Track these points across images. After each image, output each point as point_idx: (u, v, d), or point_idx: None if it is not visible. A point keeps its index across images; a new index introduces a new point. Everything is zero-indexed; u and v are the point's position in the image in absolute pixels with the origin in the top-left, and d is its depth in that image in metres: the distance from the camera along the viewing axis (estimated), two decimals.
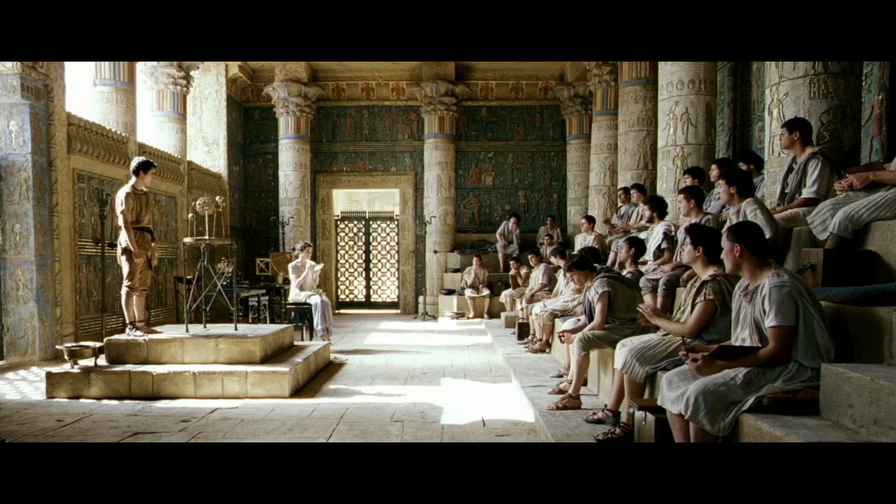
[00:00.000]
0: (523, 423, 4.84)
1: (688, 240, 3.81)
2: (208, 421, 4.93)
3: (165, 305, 10.90)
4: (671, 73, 7.28)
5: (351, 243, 15.78)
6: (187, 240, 6.75)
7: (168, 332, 6.53)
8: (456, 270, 13.96)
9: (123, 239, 6.17)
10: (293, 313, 8.92)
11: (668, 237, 5.95)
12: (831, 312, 3.16)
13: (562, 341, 5.45)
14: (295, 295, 8.92)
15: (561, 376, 5.81)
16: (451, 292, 13.40)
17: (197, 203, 6.81)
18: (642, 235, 6.70)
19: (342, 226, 15.78)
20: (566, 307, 7.18)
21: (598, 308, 5.08)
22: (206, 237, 6.77)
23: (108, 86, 9.97)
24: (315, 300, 8.69)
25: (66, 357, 5.91)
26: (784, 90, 4.78)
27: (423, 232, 14.63)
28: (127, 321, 6.40)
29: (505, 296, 11.55)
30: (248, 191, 15.23)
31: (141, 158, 6.43)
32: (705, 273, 3.75)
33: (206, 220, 6.83)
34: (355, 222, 15.87)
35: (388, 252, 15.74)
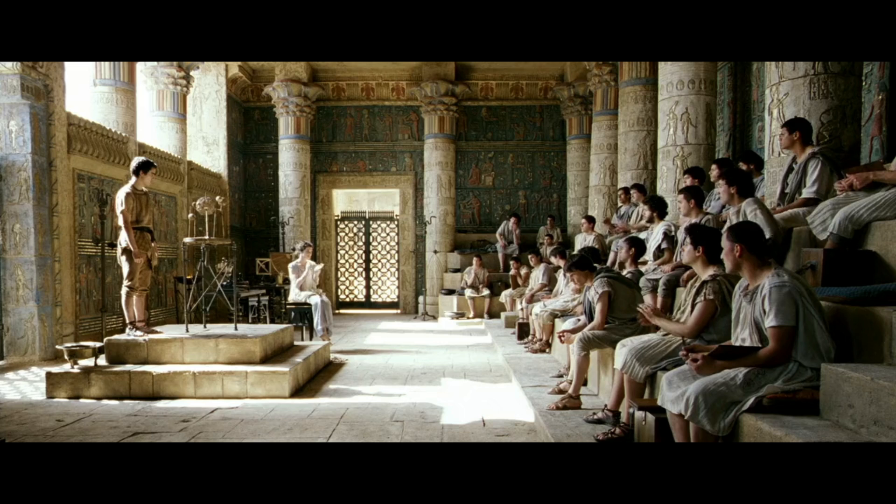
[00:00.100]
0: (523, 423, 4.84)
1: (688, 240, 3.81)
2: (208, 421, 4.93)
3: (165, 305, 10.90)
4: (671, 73, 7.28)
5: (351, 243, 15.78)
6: (187, 240, 6.75)
7: (168, 332, 6.53)
8: (456, 270, 13.96)
9: (123, 239, 6.17)
10: (293, 313, 8.92)
11: (668, 237, 5.95)
12: (831, 312, 3.16)
13: (562, 341, 5.45)
14: (295, 295, 8.92)
15: (561, 376, 5.81)
16: (451, 292, 13.40)
17: (197, 203, 6.81)
18: (642, 235, 6.70)
19: (342, 226, 15.78)
20: (566, 307, 7.18)
21: (598, 308, 5.08)
22: (206, 237, 6.77)
23: (108, 86, 9.97)
24: (315, 300, 8.69)
25: (66, 357, 5.91)
26: (784, 90, 4.78)
27: (423, 232, 14.63)
28: (127, 321, 6.40)
29: (505, 296, 11.55)
30: (248, 191, 15.23)
31: (141, 158, 6.43)
32: (705, 273, 3.75)
33: (206, 220, 6.83)
34: (355, 222, 15.88)
35: (388, 252, 15.74)
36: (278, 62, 14.06)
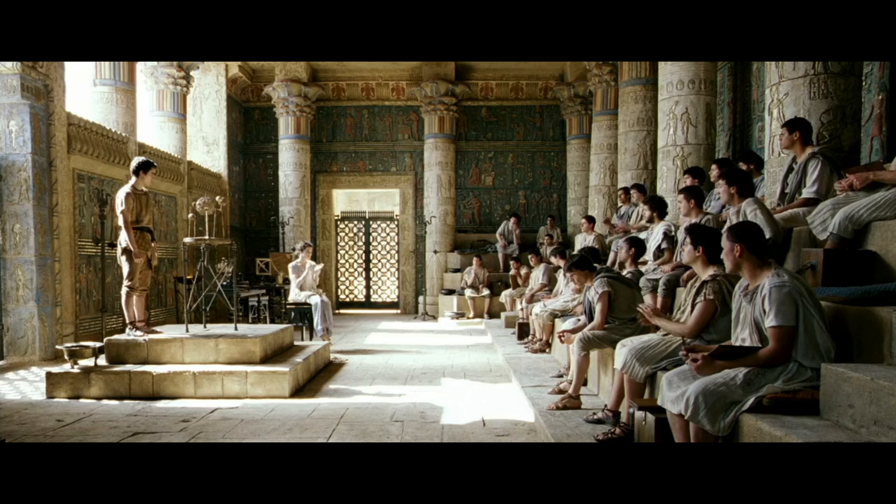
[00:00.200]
0: (523, 423, 4.84)
1: (688, 240, 3.81)
2: (208, 421, 4.93)
3: (165, 305, 10.90)
4: (671, 73, 7.28)
5: (351, 243, 15.78)
6: (187, 240, 6.75)
7: (168, 332, 6.53)
8: (456, 270, 13.96)
9: (123, 239, 6.17)
10: (293, 313, 8.92)
11: (668, 237, 5.95)
12: (831, 312, 3.16)
13: (562, 341, 5.45)
14: (295, 295, 8.92)
15: (561, 376, 5.81)
16: (451, 292, 13.40)
17: (197, 203, 6.81)
18: (642, 235, 6.70)
19: (342, 226, 15.78)
20: (566, 307, 7.18)
21: (598, 308, 5.08)
22: (206, 237, 6.77)
23: (108, 86, 9.97)
24: (315, 300, 8.69)
25: (66, 357, 5.91)
26: (784, 90, 4.78)
27: (423, 232, 14.63)
28: (127, 321, 6.40)
29: (505, 296, 11.55)
30: (248, 191, 15.23)
31: (141, 158, 6.43)
32: (705, 273, 3.75)
33: (206, 220, 6.83)
34: (355, 222, 15.88)
35: (388, 252, 15.74)
36: (278, 62, 14.06)
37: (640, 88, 9.43)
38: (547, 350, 7.56)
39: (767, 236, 3.84)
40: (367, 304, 15.72)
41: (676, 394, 3.00)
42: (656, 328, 4.18)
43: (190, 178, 11.86)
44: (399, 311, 15.23)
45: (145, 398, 5.68)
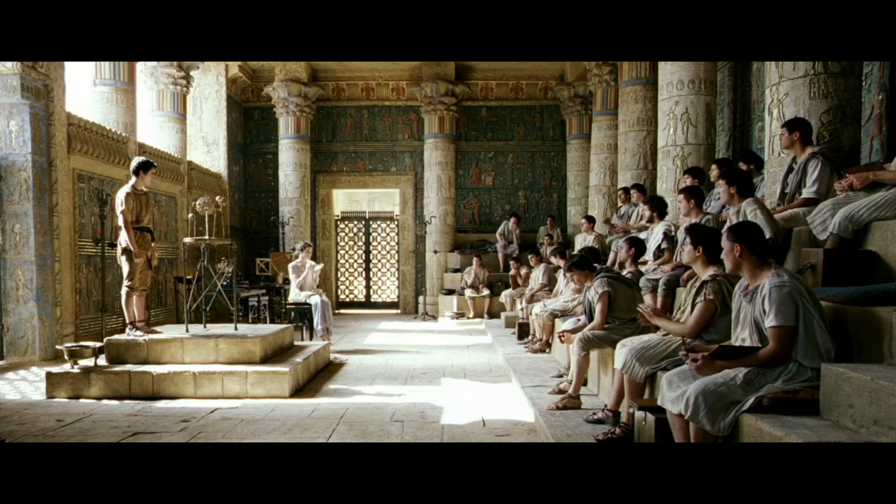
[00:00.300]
0: (523, 423, 4.84)
1: (688, 240, 3.81)
2: (208, 421, 4.93)
3: (165, 305, 10.90)
4: (671, 73, 7.28)
5: (351, 243, 15.78)
6: (187, 240, 6.75)
7: (168, 332, 6.53)
8: (456, 270, 13.96)
9: (123, 239, 6.17)
10: (293, 313, 8.92)
11: (668, 237, 5.95)
12: (831, 312, 3.16)
13: (562, 341, 5.45)
14: (295, 295, 8.92)
15: (561, 376, 5.81)
16: (451, 292, 13.40)
17: (197, 203, 6.81)
18: (642, 235, 6.70)
19: (342, 226, 15.78)
20: (566, 307, 7.18)
21: (598, 308, 5.08)
22: (206, 237, 6.77)
23: (108, 86, 9.97)
24: (315, 300, 8.69)
25: (66, 357, 5.91)
26: (784, 90, 4.78)
27: (423, 232, 14.63)
28: (127, 321, 6.40)
29: (505, 296, 11.55)
30: (248, 191, 15.23)
31: (141, 158, 6.43)
32: (705, 273, 3.75)
33: (206, 220, 6.83)
34: (355, 222, 15.88)
35: (388, 252, 15.74)
36: (278, 62, 14.06)
37: (640, 88, 9.43)
38: (547, 350, 7.56)
39: (767, 236, 3.84)
40: (367, 304, 15.72)
41: (676, 394, 3.00)
42: (656, 328, 4.18)
43: (190, 178, 11.86)
44: (399, 311, 15.23)
45: (145, 398, 5.68)
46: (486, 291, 12.70)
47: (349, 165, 15.18)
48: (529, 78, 14.98)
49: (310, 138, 14.70)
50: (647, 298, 5.35)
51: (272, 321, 10.11)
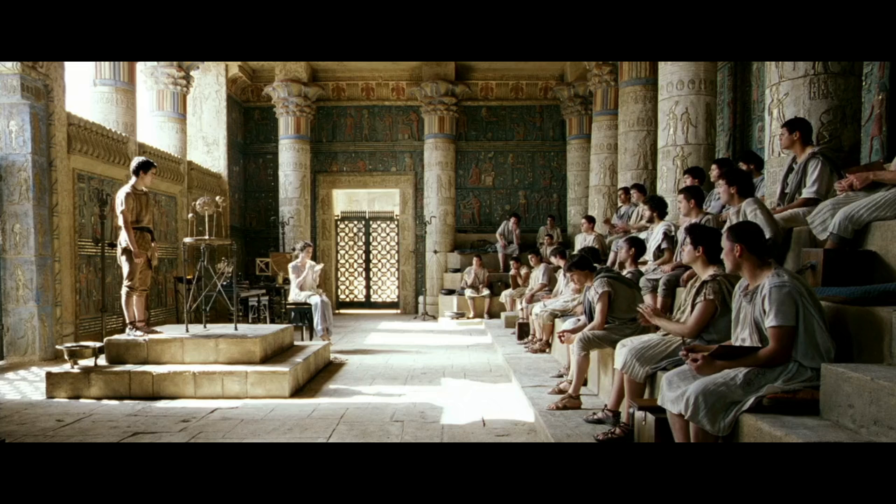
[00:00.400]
0: (523, 423, 4.84)
1: (688, 240, 3.81)
2: (208, 421, 4.93)
3: (165, 305, 10.90)
4: (671, 73, 7.28)
5: (351, 243, 15.78)
6: (187, 240, 6.75)
7: (168, 332, 6.53)
8: (456, 270, 13.96)
9: (123, 239, 6.17)
10: (293, 313, 8.92)
11: (668, 237, 5.95)
12: (831, 312, 3.16)
13: (562, 341, 5.45)
14: (295, 295, 8.92)
15: (561, 376, 5.81)
16: (451, 292, 13.40)
17: (197, 203, 6.81)
18: (642, 235, 6.70)
19: (342, 226, 15.78)
20: (566, 307, 7.18)
21: (598, 308, 5.08)
22: (206, 237, 6.77)
23: (108, 86, 9.97)
24: (315, 300, 8.69)
25: (66, 357, 5.91)
26: (784, 90, 4.78)
27: (423, 232, 14.63)
28: (127, 321, 6.40)
29: (505, 296, 11.55)
30: (248, 191, 15.23)
31: (141, 158, 6.43)
32: (705, 273, 3.75)
33: (206, 220, 6.83)
34: (355, 222, 15.88)
35: (388, 252, 15.74)
36: (278, 62, 14.06)
37: (640, 88, 9.43)
38: (547, 350, 7.56)
39: (767, 236, 3.84)
40: (367, 304, 15.72)
41: (676, 394, 3.00)
42: (656, 328, 4.18)
43: (190, 178, 11.86)
44: (399, 311, 15.23)
45: (145, 398, 5.67)
46: (486, 291, 12.70)
47: (349, 165, 15.18)
48: (529, 78, 14.98)
49: (310, 138, 14.70)
50: (647, 298, 5.35)
51: (272, 321, 10.11)
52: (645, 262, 6.15)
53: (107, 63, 9.91)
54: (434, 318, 13.42)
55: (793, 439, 2.47)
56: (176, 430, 4.65)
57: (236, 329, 6.77)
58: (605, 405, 4.32)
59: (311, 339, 8.60)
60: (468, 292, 12.71)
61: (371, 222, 15.83)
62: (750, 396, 2.84)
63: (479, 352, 8.75)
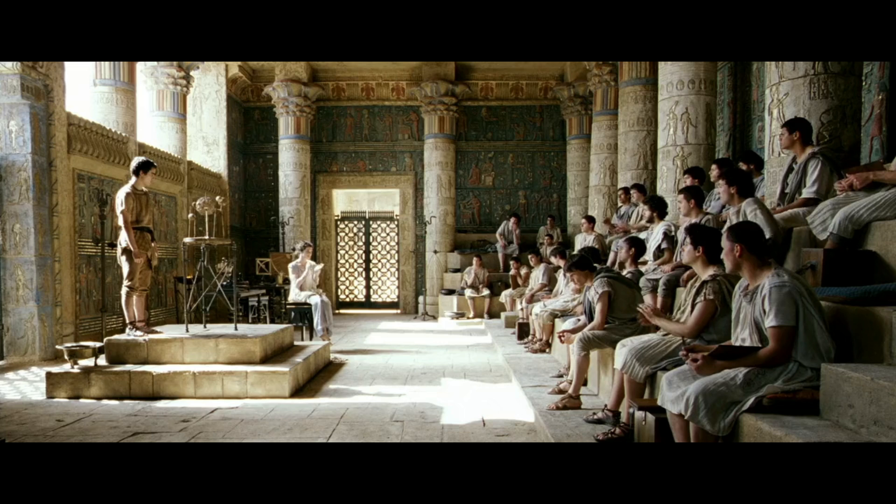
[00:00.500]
0: (523, 423, 4.84)
1: (688, 240, 3.81)
2: (208, 421, 4.94)
3: (165, 305, 10.90)
4: (671, 73, 7.28)
5: (351, 243, 15.78)
6: (187, 240, 6.75)
7: (168, 332, 6.53)
8: (456, 270, 13.96)
9: (123, 239, 6.17)
10: (293, 313, 8.92)
11: (668, 237, 5.95)
12: (831, 312, 3.16)
13: (562, 341, 5.45)
14: (295, 295, 8.92)
15: (561, 376, 5.81)
16: (451, 292, 13.40)
17: (197, 203, 6.81)
18: (642, 235, 6.70)
19: (342, 226, 15.78)
20: (566, 307, 7.18)
21: (598, 308, 5.08)
22: (206, 237, 6.77)
23: (108, 86, 9.97)
24: (315, 300, 8.69)
25: (66, 357, 5.91)
26: (784, 90, 4.78)
27: (423, 232, 14.63)
28: (127, 321, 6.40)
29: (505, 296, 11.55)
30: (248, 191, 15.23)
31: (141, 158, 6.43)
32: (705, 273, 3.75)
33: (206, 220, 6.83)
34: (355, 222, 15.88)
35: (388, 252, 15.74)
36: (278, 62, 14.06)
37: (640, 88, 9.43)
38: (547, 350, 7.56)
39: (767, 236, 3.84)
40: (367, 304, 15.72)
41: (676, 394, 3.00)
42: (656, 328, 4.18)
43: (190, 178, 11.86)
44: (399, 311, 15.23)
45: (145, 398, 5.67)
46: (486, 291, 12.70)
47: (349, 165, 15.18)
48: (529, 78, 14.98)
49: (310, 138, 14.70)
50: (647, 298, 5.35)
51: (272, 321, 10.11)
52: (645, 262, 6.15)
53: (107, 63, 9.91)
54: (434, 318, 13.42)
55: (793, 439, 2.47)
56: (176, 430, 4.65)
57: (236, 329, 6.77)
58: (605, 405, 4.32)
59: (311, 339, 8.60)
60: (468, 292, 12.71)
61: (371, 222, 15.84)
62: (750, 396, 2.84)
63: (479, 352, 8.75)
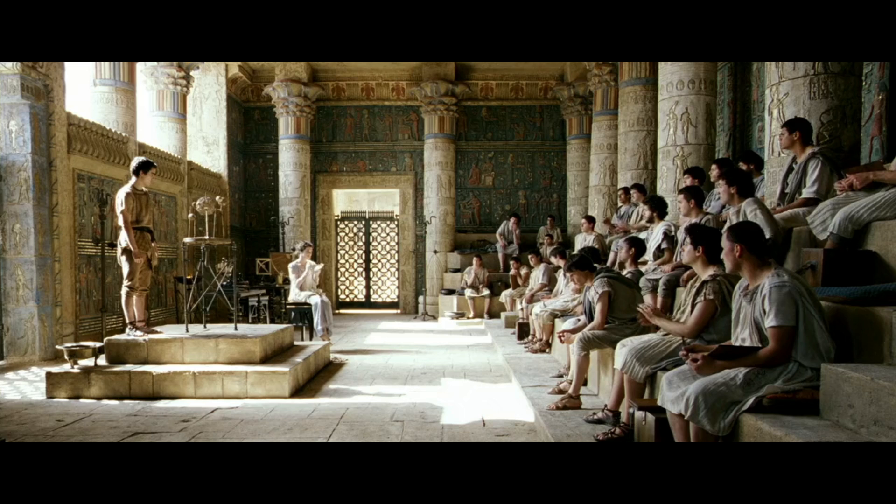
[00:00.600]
0: (523, 423, 4.84)
1: (688, 240, 3.81)
2: (208, 421, 4.94)
3: (165, 305, 10.90)
4: (671, 73, 7.28)
5: (351, 243, 15.78)
6: (187, 240, 6.75)
7: (168, 332, 6.53)
8: (456, 270, 13.96)
9: (123, 239, 6.17)
10: (293, 313, 8.92)
11: (668, 237, 5.95)
12: (831, 312, 3.16)
13: (562, 341, 5.45)
14: (295, 295, 8.92)
15: (561, 376, 5.81)
16: (451, 292, 13.40)
17: (197, 203, 6.81)
18: (642, 235, 6.70)
19: (342, 226, 15.78)
20: (566, 307, 7.18)
21: (598, 308, 5.08)
22: (206, 237, 6.77)
23: (108, 86, 9.97)
24: (315, 300, 8.69)
25: (66, 357, 5.91)
26: (784, 90, 4.78)
27: (423, 232, 14.63)
28: (127, 321, 6.40)
29: (505, 296, 11.55)
30: (248, 191, 15.23)
31: (141, 158, 6.43)
32: (705, 273, 3.75)
33: (206, 220, 6.83)
34: (355, 222, 15.88)
35: (388, 252, 15.74)
36: (278, 62, 14.06)
37: (640, 88, 9.43)
38: (547, 350, 7.56)
39: (767, 236, 3.84)
40: (367, 304, 15.72)
41: (676, 394, 3.00)
42: (656, 328, 4.18)
43: (190, 178, 11.86)
44: (399, 311, 15.23)
45: (145, 398, 5.67)
46: (486, 291, 12.70)
47: (349, 165, 15.18)
48: (529, 78, 14.98)
49: (310, 138, 14.70)
50: (647, 298, 5.35)
51: (272, 321, 10.11)
52: (645, 262, 6.15)
53: (107, 63, 9.91)
54: (434, 318, 13.42)
55: (793, 439, 2.47)
56: (176, 430, 4.65)
57: (236, 329, 6.77)
58: (605, 405, 4.32)
59: (311, 339, 8.60)
60: (468, 292, 12.71)
61: (371, 222, 15.84)
62: (750, 396, 2.84)
63: (479, 352, 8.75)
